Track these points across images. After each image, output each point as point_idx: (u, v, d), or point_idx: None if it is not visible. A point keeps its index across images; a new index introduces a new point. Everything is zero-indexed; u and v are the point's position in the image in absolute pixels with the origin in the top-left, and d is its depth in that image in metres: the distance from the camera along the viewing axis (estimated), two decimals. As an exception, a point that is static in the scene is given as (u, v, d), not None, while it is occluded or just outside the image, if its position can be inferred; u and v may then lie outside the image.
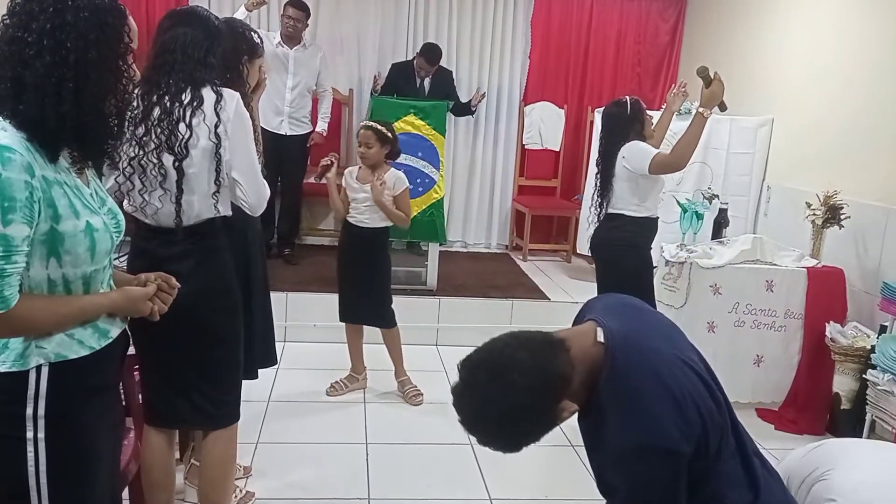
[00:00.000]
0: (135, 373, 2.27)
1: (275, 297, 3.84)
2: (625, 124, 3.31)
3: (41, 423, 1.38)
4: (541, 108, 6.10)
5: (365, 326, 3.70)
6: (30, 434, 1.38)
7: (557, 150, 6.17)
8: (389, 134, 3.47)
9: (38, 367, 1.38)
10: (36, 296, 1.38)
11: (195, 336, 2.07)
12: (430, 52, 5.32)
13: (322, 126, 5.21)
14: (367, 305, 3.60)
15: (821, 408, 3.59)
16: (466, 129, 6.12)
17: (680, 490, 1.30)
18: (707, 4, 5.87)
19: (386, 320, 3.63)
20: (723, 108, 3.23)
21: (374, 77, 5.42)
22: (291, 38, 5.00)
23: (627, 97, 3.42)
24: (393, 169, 3.57)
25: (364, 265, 3.57)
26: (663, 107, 3.75)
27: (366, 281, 3.56)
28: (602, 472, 1.40)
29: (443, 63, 5.69)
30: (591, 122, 5.73)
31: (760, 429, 3.61)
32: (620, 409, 1.32)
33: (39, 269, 1.38)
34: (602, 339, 1.36)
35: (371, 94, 5.47)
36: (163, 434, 2.20)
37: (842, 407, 3.45)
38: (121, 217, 1.57)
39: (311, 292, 4.46)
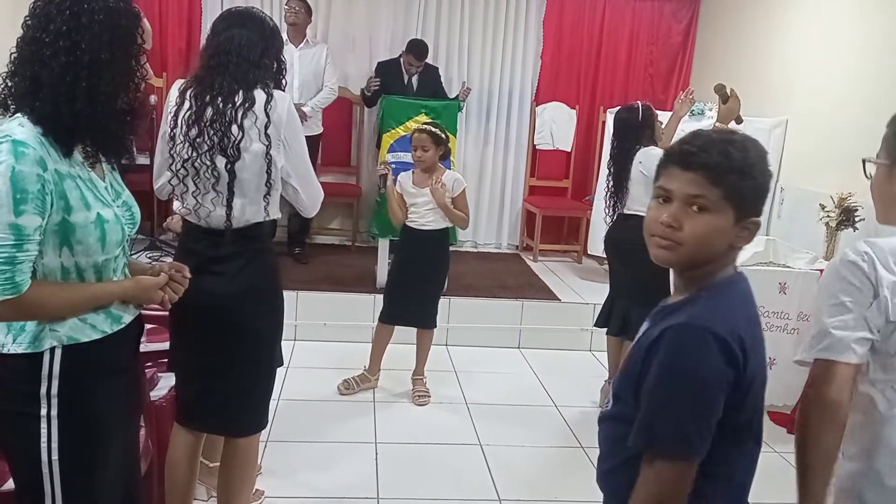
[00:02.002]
0: (146, 371, 2.28)
1: (285, 295, 3.86)
2: (636, 129, 3.45)
3: (54, 401, 1.45)
4: (552, 108, 6.08)
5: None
6: (43, 411, 1.45)
7: (569, 150, 6.15)
8: (443, 135, 3.51)
9: (52, 349, 1.46)
10: (48, 282, 1.45)
11: (237, 336, 2.08)
12: (418, 48, 5.29)
13: (308, 109, 4.94)
14: (418, 306, 3.64)
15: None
16: (477, 130, 6.11)
17: (713, 409, 1.17)
18: (721, 5, 5.83)
19: (431, 321, 3.69)
20: (738, 121, 3.32)
21: (370, 78, 5.33)
22: (295, 27, 4.96)
23: (639, 102, 3.54)
24: (449, 170, 3.62)
25: (428, 266, 3.63)
26: (675, 104, 3.80)
27: (425, 282, 3.64)
28: (635, 366, 1.27)
29: (456, 63, 5.68)
30: (603, 123, 5.71)
31: (773, 432, 3.58)
32: (704, 302, 1.24)
33: (53, 258, 1.44)
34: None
35: (362, 92, 5.39)
36: (191, 434, 2.21)
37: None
38: (136, 210, 1.63)
39: (322, 291, 4.46)
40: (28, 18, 1.42)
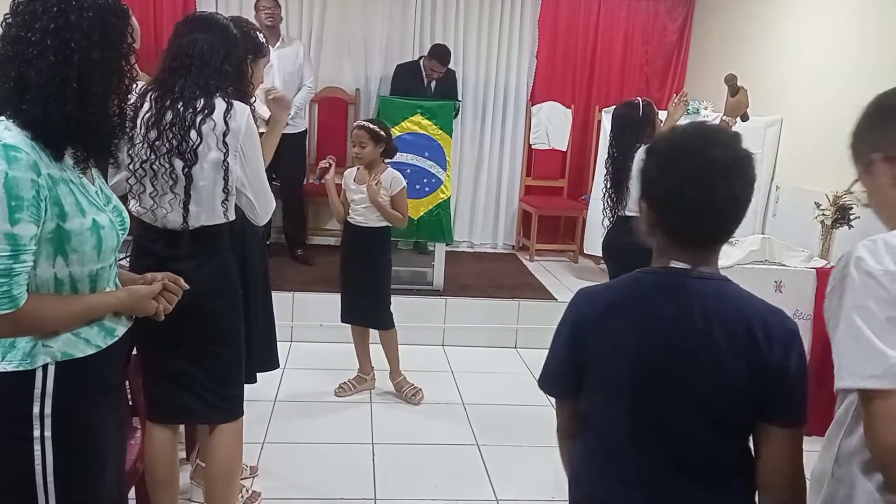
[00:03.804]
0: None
1: (281, 296, 3.85)
2: (636, 126, 3.32)
3: (48, 421, 1.39)
4: (548, 107, 6.09)
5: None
6: (36, 433, 1.38)
7: (564, 150, 6.15)
8: (382, 132, 3.46)
9: (45, 366, 1.39)
10: (43, 295, 1.39)
11: (198, 334, 2.09)
12: (442, 53, 5.32)
13: (291, 110, 4.92)
14: (366, 306, 3.59)
15: (829, 409, 3.55)
16: (473, 129, 6.11)
17: (559, 354, 1.41)
18: (715, 4, 5.83)
19: (383, 322, 3.62)
20: (745, 118, 3.21)
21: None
22: (272, 30, 4.91)
23: (639, 99, 3.44)
24: (390, 168, 3.56)
25: (364, 265, 3.57)
26: (669, 107, 3.76)
27: (365, 281, 3.57)
28: None
29: (452, 63, 5.68)
30: (599, 122, 5.71)
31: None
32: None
33: (46, 269, 1.38)
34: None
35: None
36: (166, 430, 2.21)
37: (851, 408, 3.43)
38: (125, 215, 1.58)
39: (318, 292, 4.45)
40: (9, 16, 1.35)
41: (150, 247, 2.10)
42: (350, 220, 3.55)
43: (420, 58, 5.49)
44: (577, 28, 6.11)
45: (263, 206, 2.18)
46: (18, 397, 1.38)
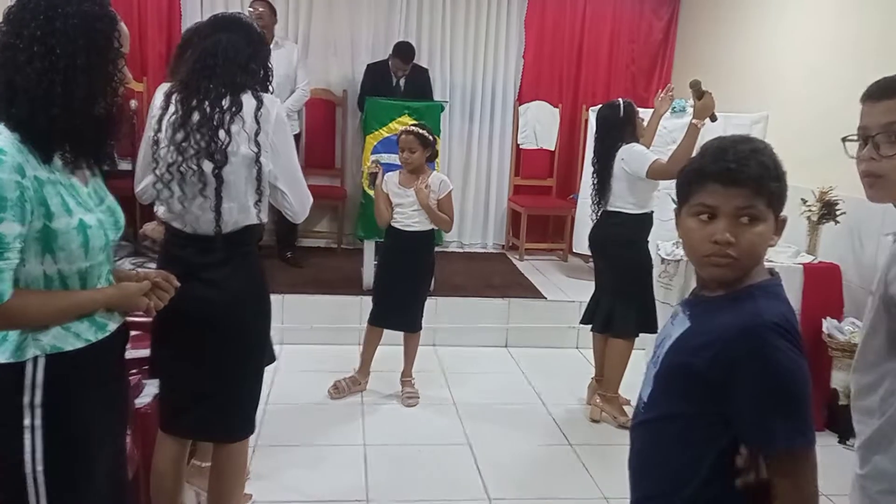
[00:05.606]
0: (129, 377, 2.25)
1: (271, 299, 3.85)
2: (618, 126, 3.49)
3: (38, 411, 1.43)
4: (535, 107, 6.10)
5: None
6: (27, 422, 1.42)
7: (552, 149, 6.17)
8: (430, 136, 3.51)
9: (35, 359, 1.43)
10: (31, 290, 1.43)
11: (228, 342, 2.06)
12: (403, 51, 5.31)
13: (283, 113, 4.96)
14: (405, 310, 3.64)
15: (819, 404, 3.59)
16: (461, 130, 6.12)
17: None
18: (701, 2, 5.87)
19: (416, 324, 3.68)
20: (713, 118, 3.36)
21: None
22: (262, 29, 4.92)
23: (620, 100, 3.58)
24: (435, 172, 3.61)
25: (413, 268, 3.62)
26: (654, 102, 3.85)
27: (412, 284, 3.63)
28: None
29: (439, 64, 5.69)
30: (586, 122, 5.72)
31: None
32: (764, 301, 1.27)
33: (35, 266, 1.42)
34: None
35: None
36: (177, 442, 2.19)
37: (840, 403, 3.45)
38: (119, 215, 1.60)
39: (308, 294, 4.45)
40: (2, 25, 1.41)
41: (179, 253, 2.05)
42: (395, 225, 3.56)
43: (389, 56, 5.47)
44: (564, 27, 6.13)
45: (300, 201, 2.14)
46: (10, 387, 1.42)
